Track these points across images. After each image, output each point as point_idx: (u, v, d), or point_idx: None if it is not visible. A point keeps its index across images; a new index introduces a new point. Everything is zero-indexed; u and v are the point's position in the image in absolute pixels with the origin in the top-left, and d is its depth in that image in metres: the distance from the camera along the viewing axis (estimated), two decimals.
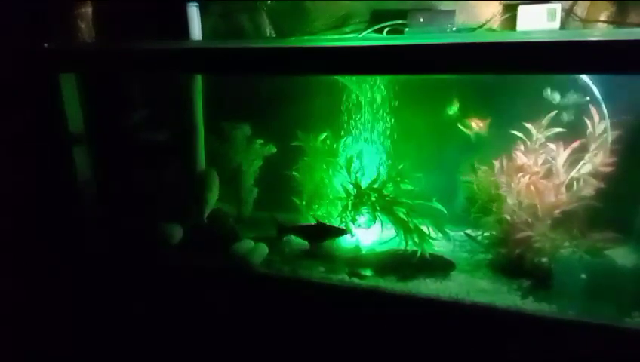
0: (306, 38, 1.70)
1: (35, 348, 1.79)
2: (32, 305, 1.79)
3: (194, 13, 1.67)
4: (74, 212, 1.75)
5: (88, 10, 1.70)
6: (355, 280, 1.57)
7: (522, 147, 1.52)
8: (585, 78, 1.47)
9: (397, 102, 1.73)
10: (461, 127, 1.66)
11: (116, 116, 1.90)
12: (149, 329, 1.76)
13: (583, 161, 1.47)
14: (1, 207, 1.71)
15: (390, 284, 1.53)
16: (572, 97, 1.50)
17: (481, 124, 1.64)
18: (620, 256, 1.49)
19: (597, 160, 1.46)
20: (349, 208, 1.69)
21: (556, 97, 1.51)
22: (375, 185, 1.65)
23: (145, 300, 1.75)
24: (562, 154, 1.47)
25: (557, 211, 1.48)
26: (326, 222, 1.72)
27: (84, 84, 1.71)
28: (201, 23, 1.69)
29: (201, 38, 1.70)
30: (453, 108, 1.67)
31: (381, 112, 1.75)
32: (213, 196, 1.83)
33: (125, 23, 1.72)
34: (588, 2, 1.48)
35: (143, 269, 1.76)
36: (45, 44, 1.59)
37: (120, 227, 1.83)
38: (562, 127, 1.48)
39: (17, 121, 1.70)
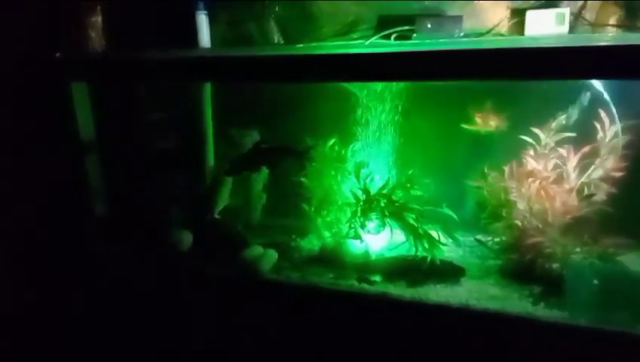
0: (313, 44, 1.70)
1: (35, 348, 1.80)
2: (32, 305, 1.80)
3: (203, 21, 1.68)
4: (79, 215, 1.77)
5: (98, 19, 1.72)
6: (365, 285, 1.56)
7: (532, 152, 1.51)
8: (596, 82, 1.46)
9: (406, 108, 1.73)
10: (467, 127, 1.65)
11: (124, 123, 1.91)
12: (151, 333, 1.77)
13: (593, 166, 1.46)
14: (5, 209, 1.73)
15: (400, 290, 1.52)
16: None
17: (491, 123, 1.62)
18: (633, 261, 1.47)
19: (608, 164, 1.45)
20: (358, 214, 1.69)
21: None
22: (384, 191, 1.64)
23: (149, 304, 1.76)
24: (573, 159, 1.46)
25: (568, 216, 1.46)
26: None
27: (94, 92, 1.73)
28: (210, 30, 1.71)
29: (209, 46, 1.71)
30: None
31: (390, 118, 1.75)
32: (226, 192, 1.83)
33: (135, 31, 1.74)
34: (597, 5, 1.47)
35: (148, 273, 1.77)
36: (57, 54, 1.61)
37: (126, 230, 1.85)
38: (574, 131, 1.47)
39: (28, 128, 1.72)
